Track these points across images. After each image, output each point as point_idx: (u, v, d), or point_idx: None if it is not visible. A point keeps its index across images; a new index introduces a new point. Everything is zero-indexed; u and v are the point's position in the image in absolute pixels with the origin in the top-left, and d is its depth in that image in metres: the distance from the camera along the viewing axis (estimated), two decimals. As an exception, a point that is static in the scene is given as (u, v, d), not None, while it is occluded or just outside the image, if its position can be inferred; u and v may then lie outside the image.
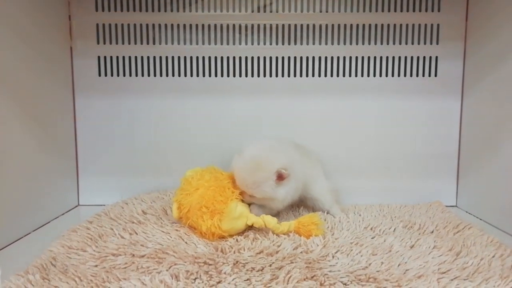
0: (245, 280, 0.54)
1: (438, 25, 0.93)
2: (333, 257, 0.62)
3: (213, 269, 0.56)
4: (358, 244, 0.67)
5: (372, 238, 0.70)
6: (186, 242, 0.66)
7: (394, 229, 0.75)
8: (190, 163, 0.76)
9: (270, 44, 0.94)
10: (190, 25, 0.93)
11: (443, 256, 0.62)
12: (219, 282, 0.53)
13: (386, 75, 0.95)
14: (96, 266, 0.58)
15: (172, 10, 0.93)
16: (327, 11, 0.93)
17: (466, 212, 0.92)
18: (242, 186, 0.70)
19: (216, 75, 0.95)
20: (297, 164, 0.74)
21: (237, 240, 0.68)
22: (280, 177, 0.69)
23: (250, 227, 0.72)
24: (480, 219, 0.86)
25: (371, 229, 0.75)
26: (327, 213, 0.84)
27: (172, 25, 0.93)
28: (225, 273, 0.55)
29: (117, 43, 0.93)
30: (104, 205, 0.87)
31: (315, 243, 0.67)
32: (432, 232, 0.73)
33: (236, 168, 0.71)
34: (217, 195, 0.68)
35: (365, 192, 0.96)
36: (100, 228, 0.71)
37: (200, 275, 0.54)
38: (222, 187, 0.70)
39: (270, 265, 0.58)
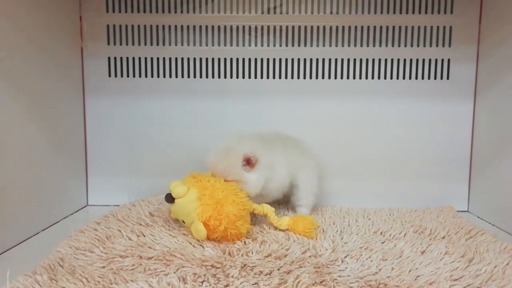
0: (253, 284, 0.53)
1: (450, 27, 0.92)
2: (342, 261, 0.61)
3: (221, 272, 0.56)
4: (368, 248, 0.66)
5: (382, 242, 0.69)
6: (193, 246, 0.66)
7: (405, 234, 0.73)
8: (199, 165, 0.76)
9: (280, 45, 0.93)
10: (200, 27, 0.93)
11: (455, 262, 0.60)
12: (226, 286, 0.53)
13: (398, 78, 0.93)
14: (103, 267, 0.58)
15: (182, 12, 0.93)
16: (337, 13, 0.92)
17: (478, 217, 0.90)
18: (217, 173, 0.72)
19: (225, 77, 0.94)
20: (269, 152, 0.75)
21: (245, 243, 0.67)
22: (249, 162, 0.71)
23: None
24: (493, 225, 0.84)
25: (381, 233, 0.74)
26: (295, 207, 0.84)
27: (182, 26, 0.93)
28: (232, 276, 0.55)
29: (127, 44, 0.93)
30: (113, 205, 0.87)
31: (324, 247, 0.66)
32: (444, 237, 0.72)
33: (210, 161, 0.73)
34: (244, 195, 0.69)
35: (374, 196, 0.95)
36: (107, 229, 0.71)
37: (208, 278, 0.54)
38: (237, 187, 0.71)
39: (279, 269, 0.57)
